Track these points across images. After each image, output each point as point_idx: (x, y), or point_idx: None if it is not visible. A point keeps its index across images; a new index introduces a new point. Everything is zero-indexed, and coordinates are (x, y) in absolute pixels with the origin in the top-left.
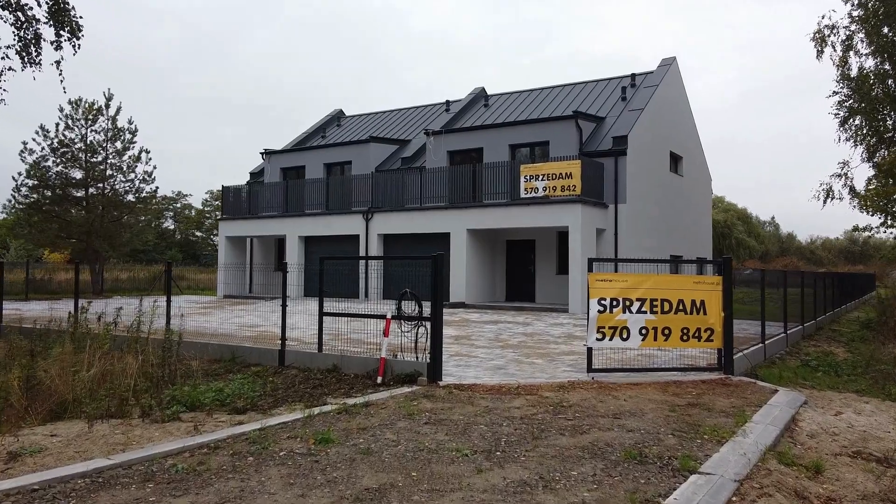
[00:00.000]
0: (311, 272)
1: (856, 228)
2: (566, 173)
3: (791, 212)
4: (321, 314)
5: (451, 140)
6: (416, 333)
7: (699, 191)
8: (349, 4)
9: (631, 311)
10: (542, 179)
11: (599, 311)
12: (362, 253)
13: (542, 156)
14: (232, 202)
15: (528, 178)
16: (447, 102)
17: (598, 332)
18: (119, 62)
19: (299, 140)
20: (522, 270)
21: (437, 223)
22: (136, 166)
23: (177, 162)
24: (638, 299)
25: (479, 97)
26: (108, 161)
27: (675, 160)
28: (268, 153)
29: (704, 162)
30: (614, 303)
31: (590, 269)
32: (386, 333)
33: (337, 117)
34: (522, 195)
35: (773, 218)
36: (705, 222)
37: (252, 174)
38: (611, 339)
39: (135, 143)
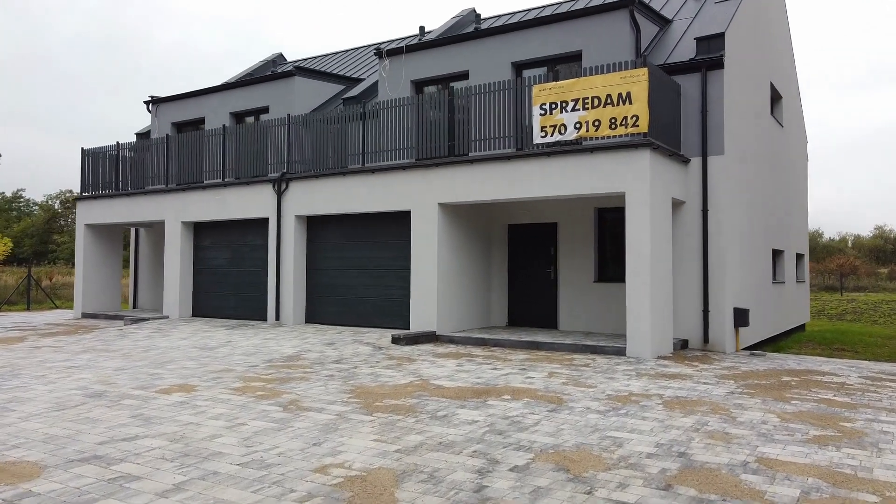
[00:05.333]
0: (205, 272)
1: None
2: (620, 95)
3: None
4: None
5: (417, 63)
6: None
7: (798, 153)
8: None
9: None
10: (572, 109)
11: None
12: (272, 246)
13: (570, 76)
14: (94, 174)
15: (546, 108)
16: (421, 30)
17: None
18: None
19: None
20: (536, 275)
21: (390, 194)
22: None
23: None
24: None
25: (468, 21)
26: None
27: (775, 101)
28: (155, 102)
29: (801, 113)
30: None
31: None
32: None
33: (273, 62)
34: (538, 140)
35: None
36: (802, 202)
37: (139, 135)
38: None
39: None
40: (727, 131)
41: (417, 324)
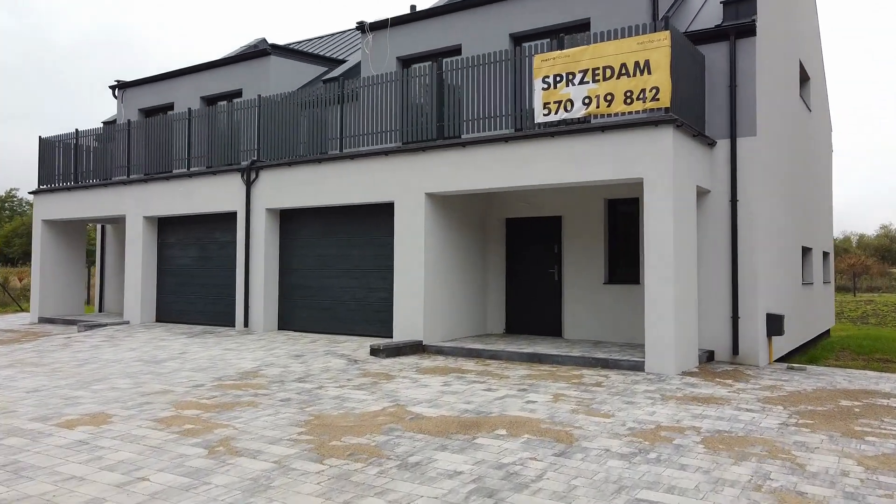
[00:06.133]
0: (169, 273)
1: None
2: (637, 64)
3: None
4: None
5: (404, 37)
6: None
7: (824, 141)
8: None
9: None
10: (580, 82)
11: None
12: (241, 244)
13: (577, 44)
14: (52, 166)
15: (550, 81)
16: (412, 9)
17: None
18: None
19: None
20: (537, 276)
21: (372, 184)
22: None
23: None
24: None
25: None
26: None
27: (804, 81)
28: (121, 87)
29: (827, 99)
30: None
31: None
32: None
33: (255, 47)
34: (540, 119)
35: None
36: (828, 194)
37: (106, 124)
38: None
39: None
40: (759, 109)
41: (401, 332)
